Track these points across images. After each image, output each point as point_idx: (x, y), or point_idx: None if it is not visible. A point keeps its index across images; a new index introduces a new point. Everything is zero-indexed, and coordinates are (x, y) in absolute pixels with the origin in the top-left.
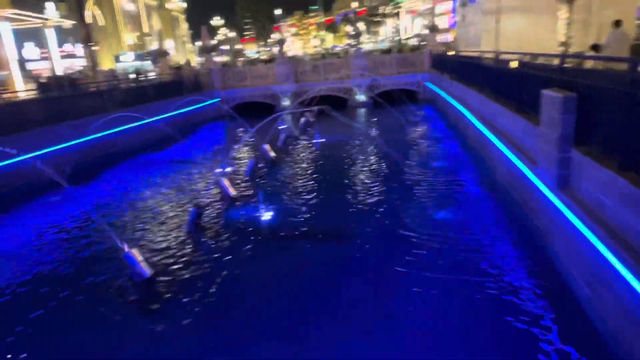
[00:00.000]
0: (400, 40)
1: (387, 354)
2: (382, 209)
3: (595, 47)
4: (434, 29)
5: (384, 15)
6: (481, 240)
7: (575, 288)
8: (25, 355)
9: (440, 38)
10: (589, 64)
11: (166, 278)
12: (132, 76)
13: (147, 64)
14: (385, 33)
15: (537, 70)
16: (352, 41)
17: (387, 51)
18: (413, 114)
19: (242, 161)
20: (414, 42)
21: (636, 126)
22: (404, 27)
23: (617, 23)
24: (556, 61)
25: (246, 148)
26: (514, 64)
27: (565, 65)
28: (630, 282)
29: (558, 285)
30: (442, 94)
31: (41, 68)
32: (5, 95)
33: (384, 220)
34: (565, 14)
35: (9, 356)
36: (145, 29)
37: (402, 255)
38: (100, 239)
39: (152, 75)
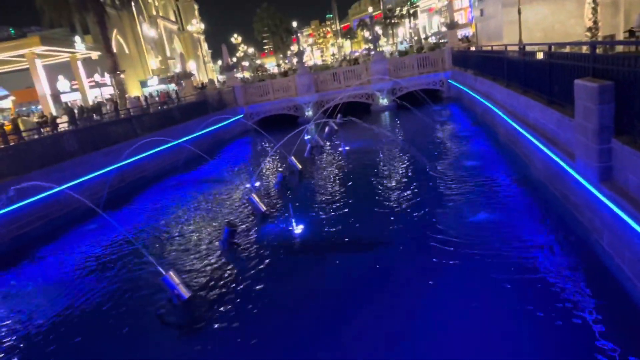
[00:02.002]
0: (420, 39)
1: None
2: (415, 215)
3: (632, 33)
4: (453, 25)
5: (401, 17)
6: (522, 240)
7: (626, 284)
8: None
9: (459, 34)
10: (620, 49)
11: (204, 299)
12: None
13: (172, 86)
14: (404, 34)
15: (567, 60)
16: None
17: (406, 52)
18: (438, 113)
19: (270, 175)
20: (433, 40)
21: None
22: (423, 27)
23: None
24: (585, 49)
25: (273, 162)
26: (540, 56)
27: (598, 52)
28: None
29: (607, 283)
30: (467, 90)
31: (73, 99)
32: (43, 129)
33: (418, 227)
34: None
35: None
36: (168, 53)
37: (440, 261)
38: (138, 263)
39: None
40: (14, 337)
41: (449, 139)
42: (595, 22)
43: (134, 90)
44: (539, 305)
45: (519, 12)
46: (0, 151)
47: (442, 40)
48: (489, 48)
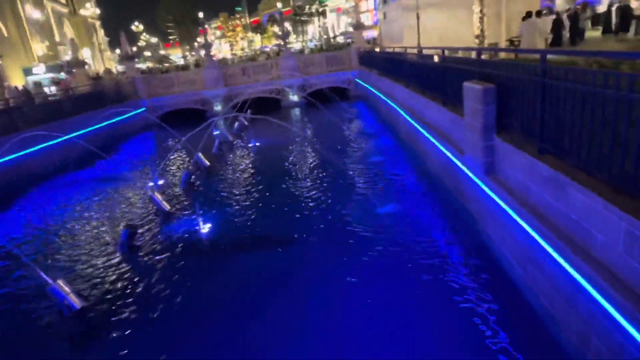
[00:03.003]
0: (328, 38)
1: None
2: (323, 209)
3: (511, 42)
4: (359, 26)
5: (310, 15)
6: (420, 228)
7: (508, 268)
8: None
9: (366, 35)
10: (504, 56)
11: (100, 307)
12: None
13: (62, 75)
14: (313, 32)
15: (458, 64)
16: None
17: (316, 50)
18: (345, 111)
19: (175, 173)
20: (341, 40)
21: (549, 112)
22: (331, 26)
23: (528, 15)
24: (474, 54)
25: (178, 158)
26: (436, 58)
27: (483, 57)
28: (556, 259)
29: (492, 266)
30: (372, 89)
31: None
32: None
33: (326, 221)
34: (478, 7)
35: None
36: (57, 39)
37: (346, 253)
38: (21, 274)
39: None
40: None
41: (355, 135)
42: (482, 31)
43: (16, 79)
44: (432, 287)
45: (418, 17)
46: None
47: (349, 40)
48: (392, 50)
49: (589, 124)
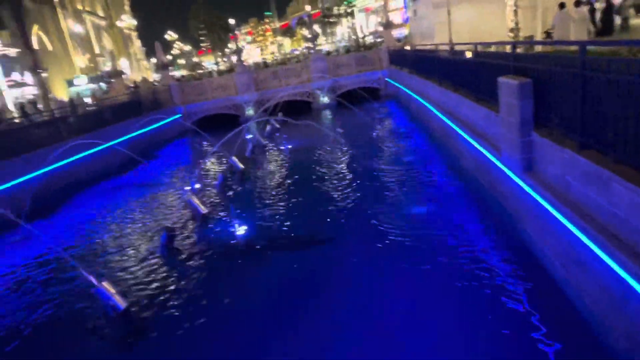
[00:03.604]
0: (357, 39)
1: (375, 351)
2: (356, 210)
3: (548, 34)
4: (388, 25)
5: (339, 16)
6: (455, 228)
7: (550, 268)
8: None
9: (395, 33)
10: (539, 49)
11: (143, 308)
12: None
13: (103, 86)
14: (342, 33)
15: (492, 59)
16: (309, 44)
17: (346, 51)
18: (377, 111)
19: (210, 176)
20: (370, 39)
21: (590, 106)
22: (360, 26)
23: (562, 5)
24: (508, 48)
25: (214, 162)
26: (469, 54)
27: (518, 51)
28: (602, 258)
29: (533, 266)
30: (403, 88)
31: None
32: None
33: (359, 221)
34: (512, 0)
35: None
36: (97, 50)
37: (379, 255)
38: (69, 276)
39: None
40: None
41: (387, 135)
42: (516, 24)
43: (60, 90)
44: (469, 289)
45: (449, 13)
46: None
47: (379, 40)
48: (423, 47)
49: (635, 116)
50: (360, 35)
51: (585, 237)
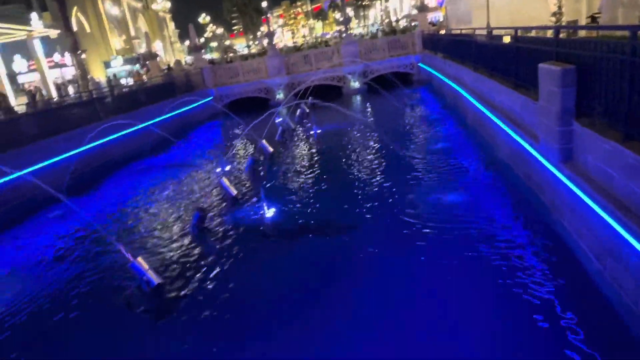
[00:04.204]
0: (390, 22)
1: (401, 345)
2: (386, 197)
3: (593, 18)
4: (423, 8)
5: None
6: (488, 219)
7: (585, 261)
8: None
9: (430, 17)
10: (583, 34)
11: (175, 285)
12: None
13: (137, 67)
14: (375, 16)
15: (532, 44)
16: (341, 28)
17: (378, 35)
18: (408, 96)
19: (241, 159)
20: (404, 23)
21: (639, 95)
22: (393, 9)
23: None
24: (550, 33)
25: (244, 145)
26: (507, 39)
27: (561, 36)
28: None
29: (568, 260)
30: (437, 74)
31: (31, 80)
32: None
33: (389, 208)
34: None
35: None
36: (132, 33)
37: (408, 243)
38: (104, 250)
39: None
40: None
41: (419, 122)
42: (559, 7)
43: (97, 71)
44: (503, 282)
45: None
46: None
47: (414, 23)
48: (458, 32)
49: None
50: (393, 18)
51: (626, 232)
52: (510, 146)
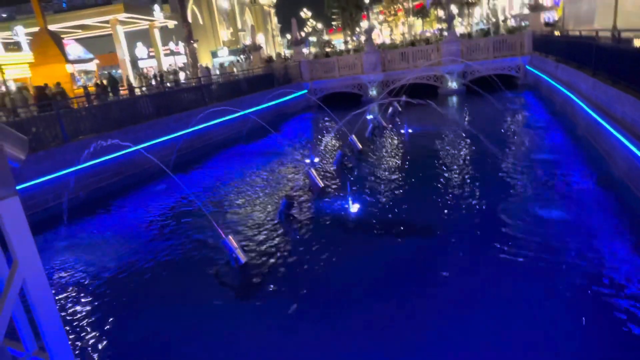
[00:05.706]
0: (497, 21)
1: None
2: (476, 206)
3: None
4: (537, 7)
5: None
6: (594, 247)
7: None
8: (129, 328)
9: (543, 17)
10: None
11: (259, 265)
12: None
13: (240, 58)
14: (481, 15)
15: None
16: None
17: (483, 34)
18: (511, 101)
19: (330, 152)
20: (512, 23)
21: None
22: (502, 7)
23: None
24: None
25: (334, 139)
26: (638, 43)
27: None
28: None
29: None
30: (546, 78)
31: (149, 66)
32: (121, 92)
33: (478, 218)
34: None
35: (114, 330)
36: (239, 25)
37: (497, 256)
38: (200, 224)
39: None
40: (82, 285)
41: (521, 129)
42: None
43: (205, 60)
44: (599, 321)
45: None
46: (85, 110)
47: (524, 24)
48: (577, 33)
49: None
50: (501, 17)
51: None
52: (630, 163)
